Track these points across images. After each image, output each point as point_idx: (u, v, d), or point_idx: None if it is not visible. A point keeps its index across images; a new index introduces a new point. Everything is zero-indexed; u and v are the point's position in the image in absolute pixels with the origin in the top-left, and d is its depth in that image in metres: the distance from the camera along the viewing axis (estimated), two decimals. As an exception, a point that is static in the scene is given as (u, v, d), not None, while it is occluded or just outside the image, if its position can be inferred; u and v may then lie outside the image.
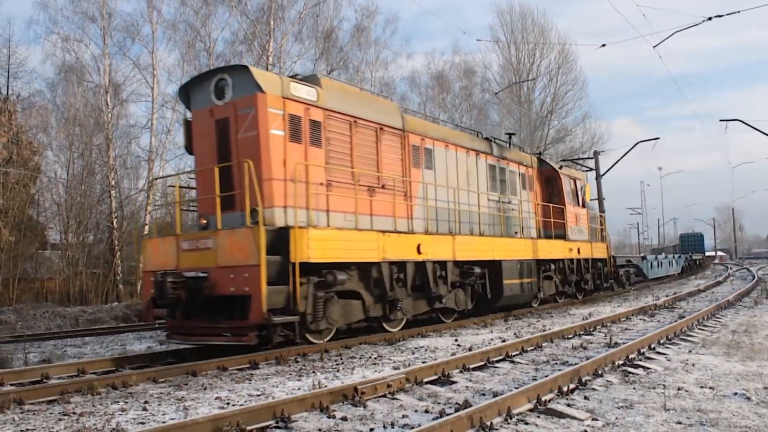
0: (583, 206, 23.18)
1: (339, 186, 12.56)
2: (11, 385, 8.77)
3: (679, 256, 45.00)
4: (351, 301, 12.33)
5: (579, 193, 22.79)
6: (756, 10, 25.79)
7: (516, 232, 18.86)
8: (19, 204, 25.89)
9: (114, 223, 28.84)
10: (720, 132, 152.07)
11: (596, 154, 42.89)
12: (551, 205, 20.85)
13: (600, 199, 41.51)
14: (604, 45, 29.63)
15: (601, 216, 26.43)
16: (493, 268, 16.70)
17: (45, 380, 8.98)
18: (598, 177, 41.37)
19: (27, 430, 6.47)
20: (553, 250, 19.91)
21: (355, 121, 13.18)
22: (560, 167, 21.90)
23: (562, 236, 20.91)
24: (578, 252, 21.56)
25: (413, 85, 45.73)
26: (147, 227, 27.38)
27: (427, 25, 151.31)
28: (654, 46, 31.80)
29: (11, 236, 24.81)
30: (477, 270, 15.82)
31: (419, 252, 13.54)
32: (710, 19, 21.79)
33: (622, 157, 41.59)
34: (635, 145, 41.08)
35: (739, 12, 21.93)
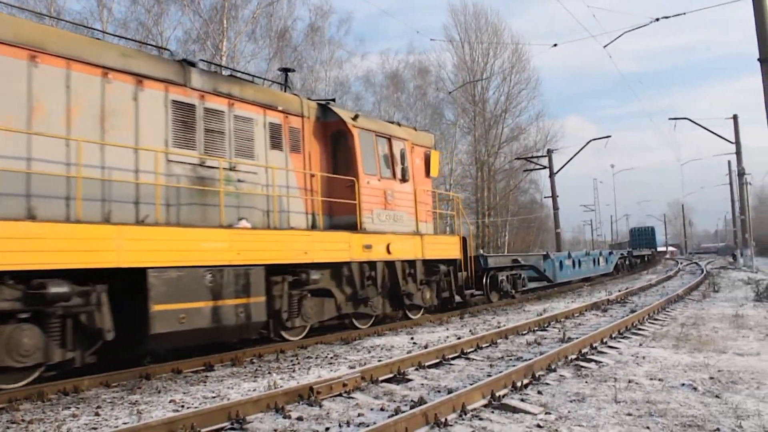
0: (404, 180, 15.07)
1: None
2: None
3: (611, 252, 37.33)
4: None
5: (400, 160, 15.00)
6: (701, 12, 26.42)
7: (243, 219, 11.38)
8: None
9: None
10: (669, 130, 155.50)
11: (550, 152, 43.68)
12: (329, 175, 13.53)
13: (554, 196, 42.21)
14: (555, 45, 30.32)
15: (455, 198, 18.99)
16: (132, 284, 9.09)
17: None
18: (552, 175, 42.06)
19: (-27, 439, 6.33)
20: (316, 248, 11.90)
21: None
22: (355, 117, 14.09)
23: (353, 225, 13.30)
24: (388, 250, 13.80)
25: (368, 84, 45.86)
26: None
27: (382, 25, 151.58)
28: (604, 46, 32.84)
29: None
30: (60, 289, 8.27)
31: None
32: (657, 20, 22.26)
33: (575, 155, 42.39)
34: (588, 143, 41.92)
35: (684, 14, 22.48)
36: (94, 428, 6.52)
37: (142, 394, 8.09)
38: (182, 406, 7.32)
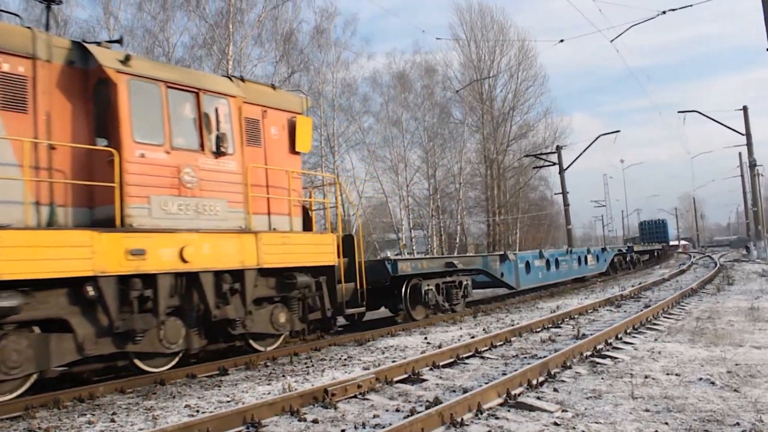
0: (222, 154, 10.34)
1: None
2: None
3: (603, 249, 31.91)
4: None
5: (216, 125, 10.40)
6: (708, 4, 26.28)
7: None
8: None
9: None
10: (678, 123, 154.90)
11: (559, 148, 43.53)
12: (82, 147, 9.18)
13: (564, 192, 42.07)
14: (562, 41, 29.86)
15: (335, 183, 13.82)
16: None
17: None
18: (562, 171, 41.94)
19: (-9, 448, 6.34)
20: (5, 257, 7.56)
21: None
22: (125, 59, 9.35)
23: (111, 219, 8.96)
24: (182, 257, 9.34)
25: (375, 85, 45.80)
26: None
27: (387, 26, 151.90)
28: (611, 41, 32.45)
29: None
30: None
31: None
32: (664, 12, 22.17)
33: (584, 151, 42.34)
34: (597, 138, 41.82)
35: (691, 6, 22.32)
36: (110, 434, 6.53)
37: (156, 400, 8.09)
38: (197, 411, 7.31)
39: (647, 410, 6.28)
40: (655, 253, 46.56)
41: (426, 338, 12.53)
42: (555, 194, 52.25)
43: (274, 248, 10.91)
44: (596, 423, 5.92)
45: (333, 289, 12.16)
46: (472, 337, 11.89)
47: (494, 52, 52.10)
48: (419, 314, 15.47)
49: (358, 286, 12.88)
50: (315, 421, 6.49)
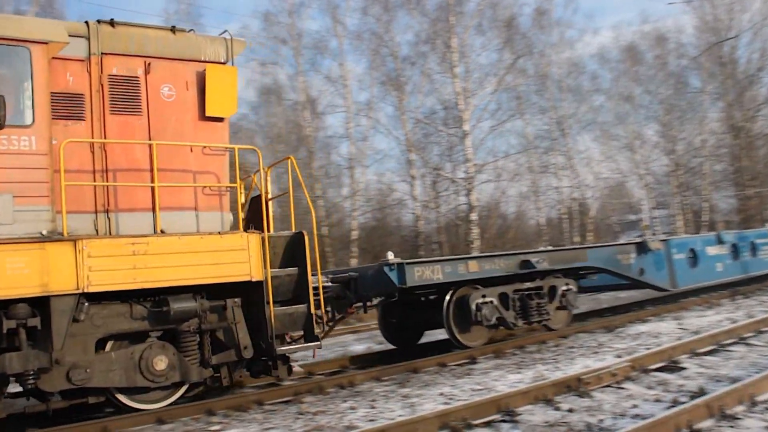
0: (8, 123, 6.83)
1: None
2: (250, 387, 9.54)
3: None
4: None
5: (6, 82, 7.00)
6: None
7: None
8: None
9: (324, 230, 30.34)
10: None
11: (820, 108, 38.86)
12: None
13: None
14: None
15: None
16: None
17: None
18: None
19: (270, 428, 6.98)
20: None
21: None
22: None
23: None
24: None
25: (603, 61, 43.99)
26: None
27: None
28: None
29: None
30: None
31: None
32: None
33: None
34: None
35: None
36: (372, 420, 6.89)
37: (411, 388, 8.42)
38: (451, 399, 7.51)
39: None
40: None
41: (680, 324, 11.83)
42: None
43: (114, 261, 7.30)
44: None
45: (261, 315, 8.30)
46: (733, 322, 11.02)
47: (732, 10, 47.68)
48: (474, 339, 10.93)
49: (313, 310, 8.66)
50: (570, 410, 6.40)
